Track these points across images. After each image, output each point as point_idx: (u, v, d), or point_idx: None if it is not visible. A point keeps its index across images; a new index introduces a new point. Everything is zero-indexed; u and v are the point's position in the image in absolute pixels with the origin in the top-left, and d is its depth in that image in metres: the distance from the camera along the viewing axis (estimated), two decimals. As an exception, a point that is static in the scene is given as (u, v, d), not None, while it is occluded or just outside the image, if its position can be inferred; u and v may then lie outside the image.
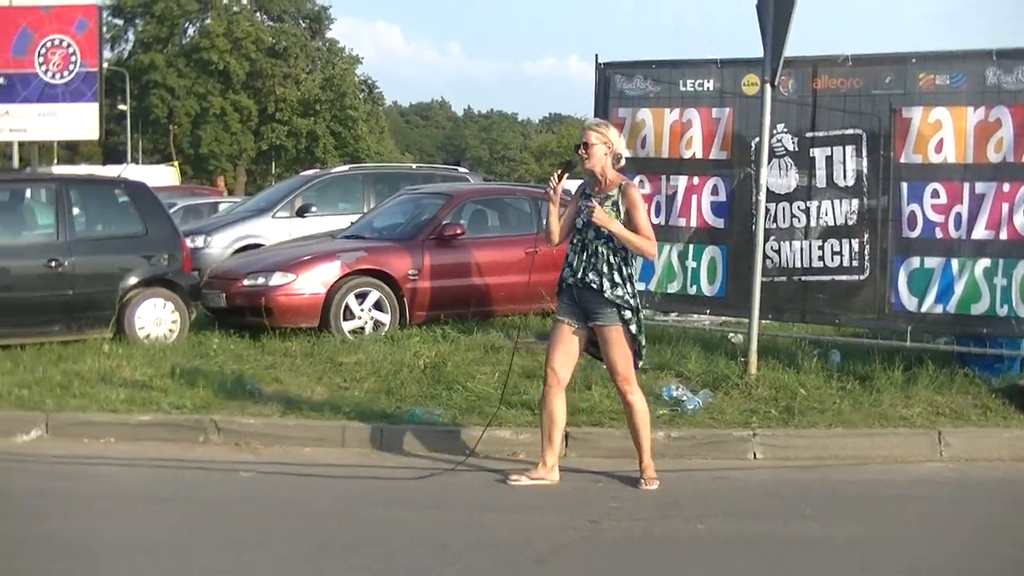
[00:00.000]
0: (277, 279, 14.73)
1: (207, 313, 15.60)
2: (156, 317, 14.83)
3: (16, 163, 42.29)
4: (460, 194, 16.78)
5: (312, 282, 14.70)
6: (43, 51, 28.31)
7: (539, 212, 16.53)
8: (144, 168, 47.94)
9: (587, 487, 9.29)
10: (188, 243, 16.65)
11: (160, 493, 9.07)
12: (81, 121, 28.85)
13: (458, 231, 15.43)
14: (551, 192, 9.25)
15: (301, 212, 20.13)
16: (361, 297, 14.81)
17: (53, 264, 14.34)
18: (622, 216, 9.10)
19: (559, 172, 9.31)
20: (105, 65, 39.07)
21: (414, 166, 25.59)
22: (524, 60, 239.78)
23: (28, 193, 16.00)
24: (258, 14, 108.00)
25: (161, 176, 42.31)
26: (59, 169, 36.19)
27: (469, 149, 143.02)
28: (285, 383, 12.06)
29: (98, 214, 15.62)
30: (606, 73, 13.92)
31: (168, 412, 11.10)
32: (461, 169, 23.25)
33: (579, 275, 9.18)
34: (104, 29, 33.25)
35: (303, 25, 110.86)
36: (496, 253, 15.73)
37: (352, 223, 17.59)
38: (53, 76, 28.18)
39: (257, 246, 18.65)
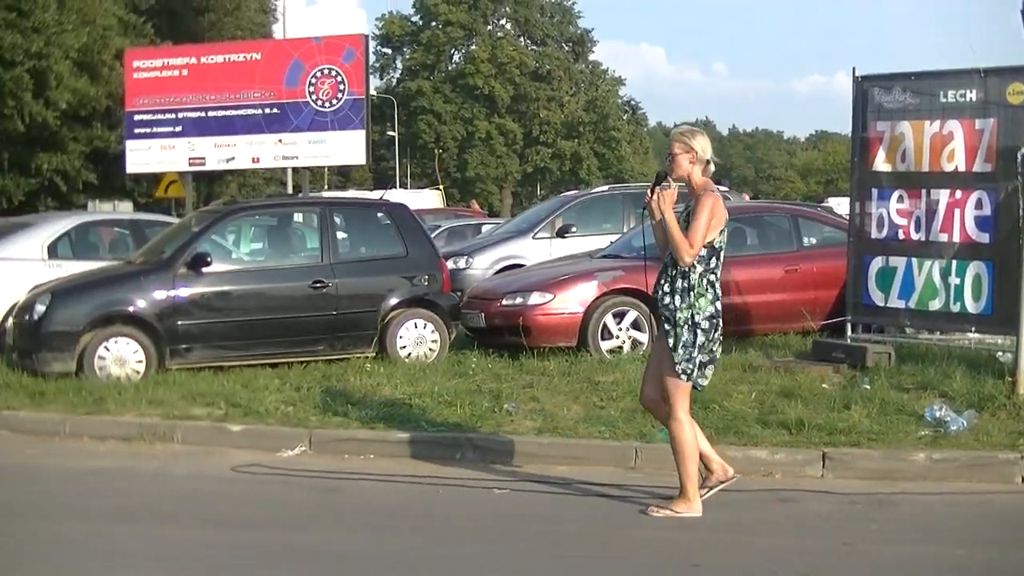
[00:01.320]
0: (535, 299, 14.80)
1: (466, 333, 15.78)
2: (417, 337, 15.07)
3: (290, 189, 43.66)
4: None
5: (570, 302, 14.72)
6: (313, 81, 29.21)
7: (799, 230, 16.27)
8: (408, 192, 48.81)
9: (844, 508, 9.08)
10: (451, 264, 16.89)
11: (414, 509, 9.18)
12: (349, 147, 29.67)
13: (718, 249, 15.25)
14: (650, 205, 9.00)
15: (561, 232, 20.18)
16: (619, 316, 14.76)
17: (318, 286, 14.73)
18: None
19: (652, 184, 9.09)
20: (374, 93, 40.02)
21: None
22: (790, 78, 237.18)
23: (295, 217, 16.48)
24: (522, 39, 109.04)
25: (425, 200, 43.09)
26: (327, 195, 37.02)
27: (734, 168, 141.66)
28: (542, 402, 12.09)
29: (361, 236, 15.98)
30: (863, 86, 13.59)
31: (427, 430, 11.25)
32: (722, 188, 22.97)
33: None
34: (373, 58, 34.18)
35: (566, 48, 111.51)
36: (755, 271, 15.51)
37: (611, 243, 17.57)
38: (322, 105, 29.03)
39: (518, 266, 18.77)
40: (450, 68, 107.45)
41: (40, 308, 14.14)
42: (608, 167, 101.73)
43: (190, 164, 30.66)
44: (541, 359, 14.03)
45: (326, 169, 58.94)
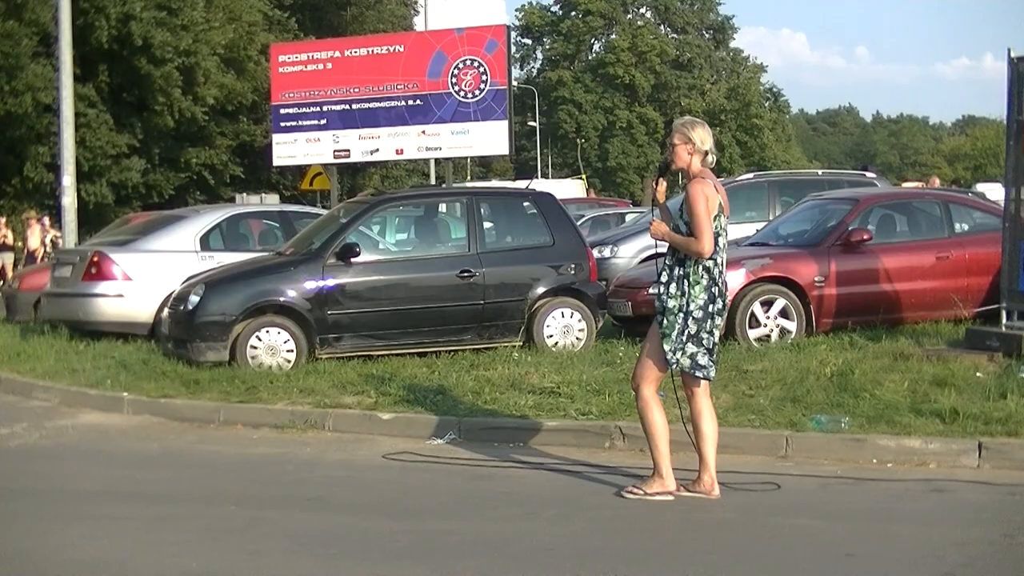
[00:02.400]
0: (674, 287, 14.70)
1: (613, 321, 15.77)
2: (564, 326, 15.11)
3: (432, 180, 43.91)
4: (867, 199, 16.33)
5: (717, 290, 14.62)
6: (456, 72, 29.38)
7: (950, 216, 15.97)
8: (552, 182, 48.83)
9: (1002, 499, 8.90)
10: (596, 253, 16.87)
11: (564, 497, 9.20)
12: (492, 138, 29.82)
13: (865, 236, 15.01)
14: (655, 195, 9.34)
15: (708, 221, 20.03)
16: (767, 304, 14.64)
17: (466, 275, 14.82)
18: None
19: (657, 175, 9.40)
20: (515, 83, 40.16)
21: (820, 172, 25.18)
22: (935, 62, 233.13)
23: (442, 207, 16.59)
24: (662, 27, 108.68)
25: (568, 189, 43.09)
26: (470, 184, 37.24)
27: (878, 155, 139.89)
28: (689, 390, 12.04)
29: (507, 226, 16.04)
30: (1020, 68, 13.23)
31: (575, 418, 11.28)
32: (869, 174, 22.67)
33: None
34: (513, 49, 34.35)
35: (707, 36, 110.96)
36: (905, 258, 15.26)
37: (757, 230, 17.44)
38: (465, 95, 29.19)
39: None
40: (590, 57, 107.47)
41: (194, 299, 14.41)
42: (750, 155, 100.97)
43: (335, 157, 31.07)
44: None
45: (468, 160, 59.15)
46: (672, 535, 8.08)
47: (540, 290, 15.13)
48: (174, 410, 13.04)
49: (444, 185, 33.42)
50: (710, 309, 8.96)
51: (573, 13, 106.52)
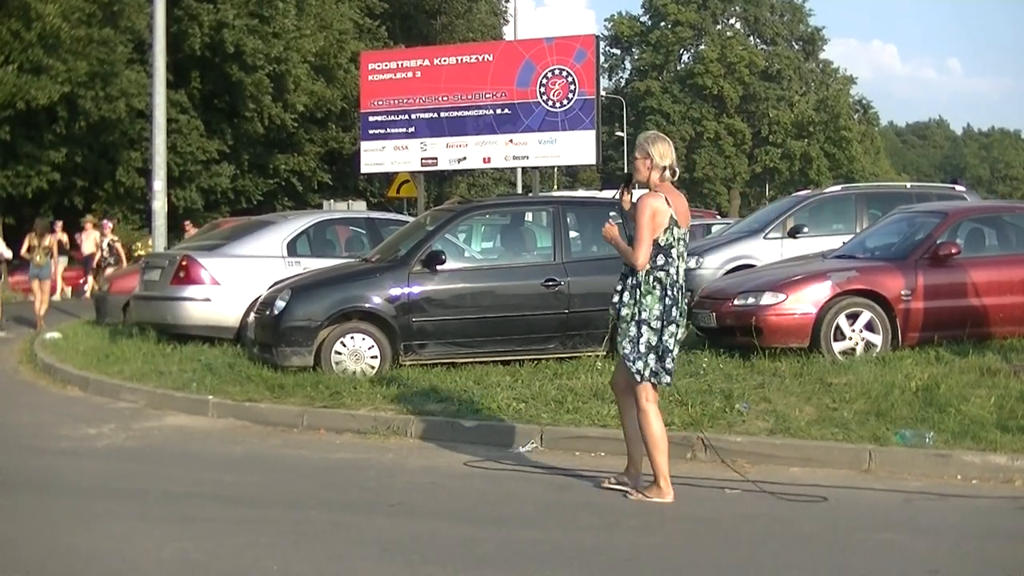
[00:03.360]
0: (767, 299, 14.62)
1: (697, 332, 15.69)
2: (648, 336, 15.04)
3: (519, 189, 43.94)
4: (956, 212, 16.11)
5: (803, 302, 14.51)
6: (544, 81, 29.42)
7: (1045, 230, 15.75)
8: (637, 192, 48.70)
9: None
10: (681, 264, 16.79)
11: (647, 507, 9.14)
12: (579, 147, 29.80)
13: (953, 250, 14.80)
14: (621, 204, 9.62)
15: (793, 233, 19.93)
16: (852, 318, 14.48)
17: (551, 284, 14.83)
18: None
19: (623, 186, 9.66)
20: (603, 93, 40.13)
21: (908, 185, 24.93)
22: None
23: (528, 216, 16.61)
24: (751, 38, 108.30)
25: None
26: (556, 194, 37.20)
27: (968, 168, 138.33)
28: (773, 402, 11.96)
29: (593, 235, 15.94)
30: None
31: (658, 429, 11.24)
32: (959, 187, 22.40)
33: None
34: (602, 59, 34.29)
35: (796, 47, 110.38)
36: (995, 273, 15.02)
37: (844, 243, 17.30)
38: (553, 105, 29.22)
39: (749, 267, 18.59)
40: (679, 68, 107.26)
41: (280, 304, 14.52)
42: (838, 167, 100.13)
43: (422, 164, 31.17)
44: (772, 359, 13.87)
45: (555, 169, 59.18)
46: (755, 547, 8.02)
47: (625, 300, 15.08)
48: (258, 414, 13.15)
49: (531, 194, 33.45)
50: (666, 319, 9.21)
51: (663, 23, 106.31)
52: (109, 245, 34.16)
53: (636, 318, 9.20)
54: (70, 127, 42.97)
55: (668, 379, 9.39)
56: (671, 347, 9.28)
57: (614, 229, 9.44)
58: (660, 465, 9.26)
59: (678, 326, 9.30)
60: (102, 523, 8.79)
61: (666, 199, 9.27)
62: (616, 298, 9.37)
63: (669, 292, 9.20)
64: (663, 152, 9.36)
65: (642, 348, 9.18)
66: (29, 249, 27.19)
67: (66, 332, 21.39)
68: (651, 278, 9.18)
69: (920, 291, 14.54)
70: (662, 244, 9.20)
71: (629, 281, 9.29)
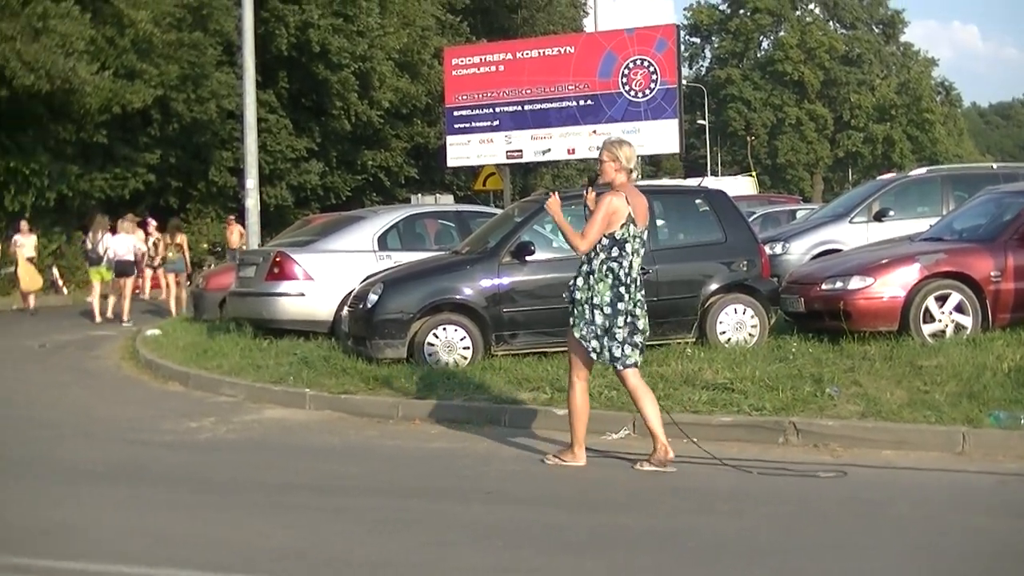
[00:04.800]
0: (855, 283, 14.50)
1: (785, 317, 15.61)
2: (737, 322, 15.02)
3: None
4: (1044, 192, 15.93)
5: (891, 285, 14.38)
6: (626, 72, 29.36)
7: None
8: (722, 179, 48.49)
9: None
10: (767, 250, 16.71)
11: (738, 491, 9.13)
12: (663, 136, 29.73)
13: (1043, 230, 14.64)
14: (585, 201, 10.15)
15: (878, 216, 19.76)
16: (941, 300, 14.31)
17: (640, 272, 14.75)
18: None
19: (586, 185, 10.42)
20: (684, 82, 40.01)
21: (995, 166, 24.61)
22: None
23: (614, 205, 16.54)
24: (831, 23, 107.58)
25: (739, 186, 42.76)
26: (642, 183, 37.17)
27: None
28: (864, 386, 11.86)
29: (680, 223, 15.97)
30: None
31: (748, 413, 11.21)
32: (1041, 168, 22.11)
33: None
34: (682, 48, 34.26)
35: (876, 31, 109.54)
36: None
37: (931, 226, 17.11)
38: (636, 95, 29.15)
39: (835, 251, 18.45)
40: (759, 55, 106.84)
41: (373, 297, 14.60)
42: (922, 150, 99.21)
43: (508, 157, 31.22)
44: (862, 343, 13.77)
45: (639, 158, 59.11)
46: (847, 531, 7.95)
47: (713, 287, 15.06)
48: (354, 405, 13.23)
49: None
50: (619, 306, 9.86)
51: (741, 11, 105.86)
52: (155, 244, 34.57)
53: (589, 302, 9.89)
54: (164, 129, 43.40)
55: (631, 360, 9.97)
56: (627, 334, 9.91)
57: (556, 204, 10.15)
58: (578, 433, 10.09)
59: (634, 315, 9.96)
60: (205, 513, 8.89)
61: (627, 198, 9.90)
62: (571, 282, 10.15)
63: (623, 282, 9.86)
64: (628, 156, 10.08)
65: (597, 331, 9.85)
66: (164, 247, 29.82)
67: (165, 329, 21.66)
68: (604, 267, 9.86)
69: (1010, 272, 14.34)
70: (618, 238, 9.85)
71: (584, 268, 9.99)
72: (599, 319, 9.83)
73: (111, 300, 27.27)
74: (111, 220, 30.81)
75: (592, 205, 10.05)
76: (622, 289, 9.84)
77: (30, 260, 30.69)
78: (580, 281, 9.98)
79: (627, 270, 9.87)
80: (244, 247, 33.28)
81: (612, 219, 9.80)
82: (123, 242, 27.70)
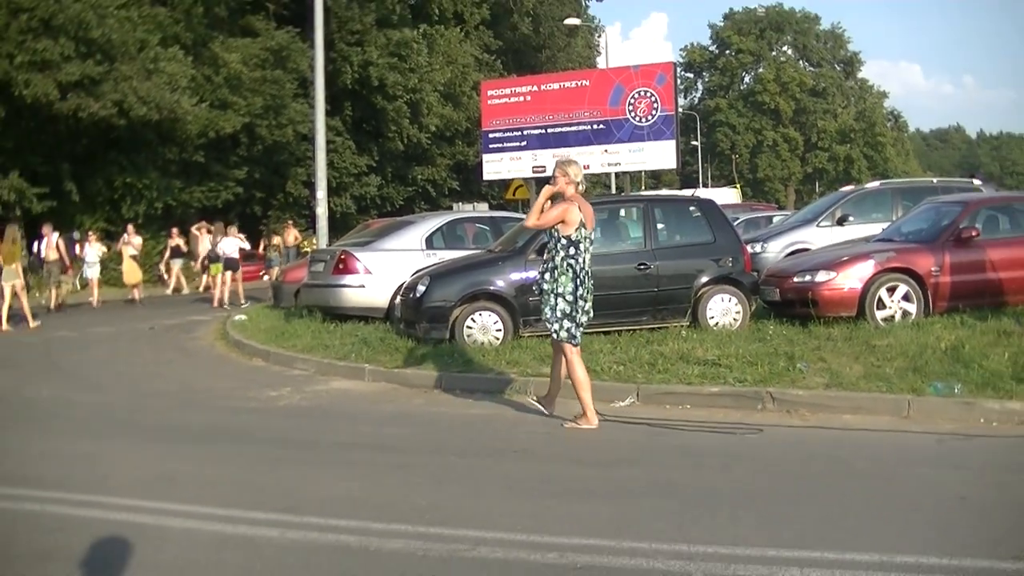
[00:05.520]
0: (821, 276, 14.45)
1: (764, 305, 15.56)
2: (723, 309, 14.95)
3: (613, 189, 43.80)
4: (975, 202, 15.76)
5: (850, 278, 14.33)
6: (632, 101, 29.32)
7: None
8: (712, 190, 48.35)
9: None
10: (749, 249, 16.63)
11: (725, 449, 9.08)
12: (662, 155, 29.72)
13: (974, 233, 14.49)
14: (541, 204, 10.37)
15: (841, 221, 19.66)
16: (891, 291, 14.27)
17: (642, 267, 14.75)
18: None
19: (545, 194, 10.38)
20: (680, 110, 40.01)
21: (935, 180, 24.45)
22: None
23: (622, 212, 16.52)
24: (801, 61, 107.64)
25: (726, 196, 42.60)
26: (645, 193, 37.12)
27: (982, 166, 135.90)
28: (828, 362, 11.80)
29: (676, 227, 15.89)
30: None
31: (733, 385, 11.15)
32: (976, 181, 21.97)
33: None
34: (678, 81, 34.22)
35: (838, 68, 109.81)
36: (1008, 251, 14.64)
37: (883, 229, 17.03)
38: (640, 120, 29.12)
39: (805, 250, 18.35)
40: (742, 88, 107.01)
41: (421, 288, 14.59)
42: (876, 167, 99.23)
43: (533, 172, 31.25)
44: (826, 326, 13.72)
45: (642, 173, 58.92)
46: (816, 480, 7.92)
47: (704, 279, 14.98)
48: (405, 378, 13.21)
49: (623, 193, 33.33)
50: (577, 294, 10.10)
51: (727, 51, 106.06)
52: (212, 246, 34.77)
53: (555, 292, 10.14)
54: (250, 150, 43.63)
55: (579, 340, 10.25)
56: (579, 316, 10.16)
57: (548, 191, 10.36)
58: (586, 400, 10.15)
59: (586, 301, 10.18)
60: (283, 465, 8.91)
61: (579, 207, 10.13)
62: (538, 277, 10.60)
63: (579, 275, 10.10)
64: (576, 172, 10.39)
65: (559, 314, 10.12)
66: (265, 247, 31.56)
67: (250, 314, 21.71)
68: (565, 263, 10.09)
69: (947, 268, 14.30)
70: (573, 239, 10.07)
71: (548, 264, 10.23)
72: (561, 304, 10.10)
73: (224, 289, 27.94)
74: (218, 225, 31.47)
75: (544, 206, 10.39)
76: (578, 281, 10.10)
77: (133, 258, 30.75)
78: (547, 275, 10.23)
79: (582, 264, 10.13)
80: (302, 246, 33.54)
81: (567, 221, 10.05)
82: (230, 244, 28.29)
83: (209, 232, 33.75)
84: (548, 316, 10.19)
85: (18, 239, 23.68)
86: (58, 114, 33.70)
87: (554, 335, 10.22)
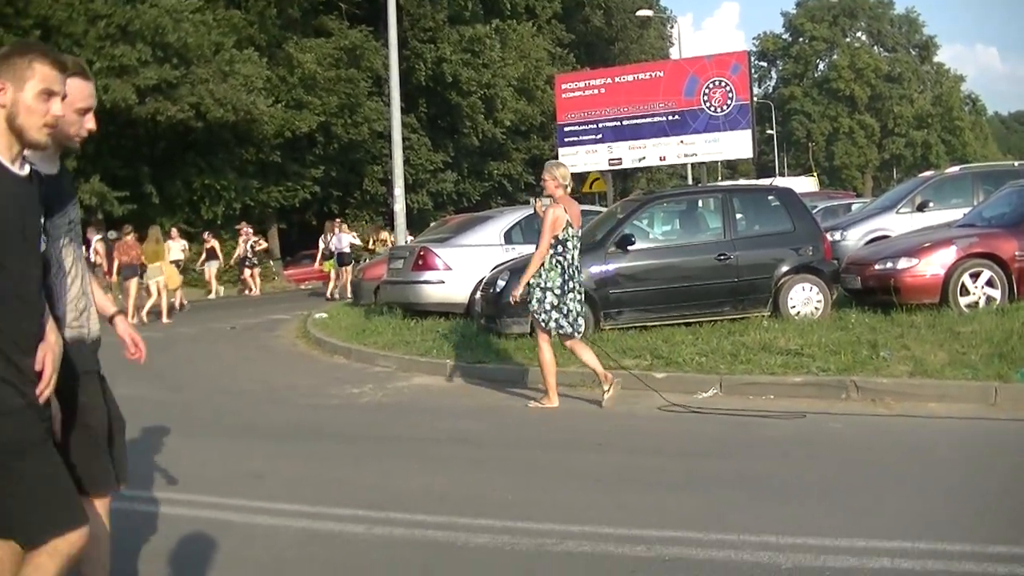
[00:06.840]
0: (903, 263, 14.28)
1: (845, 293, 15.40)
2: (804, 298, 14.80)
3: (690, 180, 43.62)
4: (1061, 183, 15.53)
5: (933, 265, 14.13)
6: (707, 91, 29.19)
7: None
8: (790, 179, 47.92)
9: None
10: (828, 237, 16.48)
11: (811, 440, 9.00)
12: (738, 144, 29.55)
13: (1060, 215, 14.29)
14: (536, 210, 11.11)
15: (920, 207, 19.44)
16: (975, 276, 14.06)
17: (722, 258, 14.66)
18: None
19: (535, 198, 10.71)
20: (754, 99, 39.68)
21: (1016, 164, 24.00)
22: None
23: (700, 203, 16.43)
24: (875, 47, 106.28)
25: (803, 185, 42.18)
26: (723, 183, 36.97)
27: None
28: (911, 349, 11.63)
29: (755, 216, 15.77)
30: None
31: (816, 374, 11.04)
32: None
33: None
34: (752, 70, 33.89)
35: (913, 53, 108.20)
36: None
37: (964, 215, 16.78)
38: (715, 110, 28.96)
39: (885, 237, 18.15)
40: (816, 75, 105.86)
41: (501, 283, 14.60)
42: (954, 151, 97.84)
43: (609, 164, 31.21)
44: (909, 314, 13.53)
45: (718, 163, 58.57)
46: (902, 470, 7.80)
47: (784, 268, 14.85)
48: (486, 373, 13.21)
49: (700, 184, 33.16)
50: (566, 289, 10.71)
51: (801, 39, 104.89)
52: (252, 245, 35.04)
53: (543, 287, 10.72)
54: (326, 149, 43.95)
55: (571, 331, 10.80)
56: (572, 308, 10.75)
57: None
58: (550, 383, 10.92)
59: (576, 292, 10.80)
60: (366, 461, 8.96)
61: (564, 208, 10.73)
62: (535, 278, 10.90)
63: (567, 271, 10.72)
64: (564, 175, 10.93)
65: (547, 307, 10.70)
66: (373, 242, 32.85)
67: (331, 312, 21.89)
68: (554, 260, 10.71)
69: (1032, 252, 14.07)
70: (561, 238, 10.68)
71: (545, 263, 10.72)
72: (549, 297, 10.67)
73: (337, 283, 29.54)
74: (330, 223, 32.56)
75: (541, 213, 11.00)
76: (566, 276, 10.72)
77: (175, 263, 30.20)
78: (542, 272, 10.75)
79: (571, 261, 10.76)
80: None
81: (555, 224, 10.65)
82: (342, 240, 29.90)
83: (244, 234, 34.50)
84: (535, 308, 10.76)
85: (161, 239, 26.24)
86: (136, 118, 34.21)
87: (542, 326, 10.75)
